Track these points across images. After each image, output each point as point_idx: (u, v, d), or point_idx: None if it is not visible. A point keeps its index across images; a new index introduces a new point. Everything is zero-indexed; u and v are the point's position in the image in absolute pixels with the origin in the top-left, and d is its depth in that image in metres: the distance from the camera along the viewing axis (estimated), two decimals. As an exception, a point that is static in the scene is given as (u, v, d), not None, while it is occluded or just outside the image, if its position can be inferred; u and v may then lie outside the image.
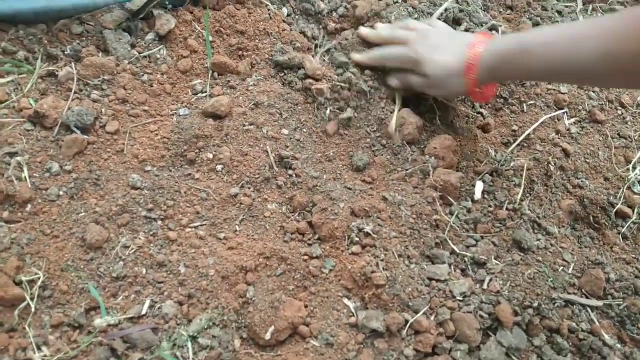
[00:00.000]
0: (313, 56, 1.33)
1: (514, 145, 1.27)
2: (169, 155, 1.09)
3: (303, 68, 1.25)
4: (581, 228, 1.19)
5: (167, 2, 1.26)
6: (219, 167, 1.08)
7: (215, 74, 1.23)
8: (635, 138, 1.28)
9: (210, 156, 1.09)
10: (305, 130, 1.19)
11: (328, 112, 1.22)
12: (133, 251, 0.96)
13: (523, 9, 1.49)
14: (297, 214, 1.08)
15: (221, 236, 1.02)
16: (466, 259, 1.06)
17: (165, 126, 1.12)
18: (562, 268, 1.08)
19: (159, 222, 1.01)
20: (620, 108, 1.31)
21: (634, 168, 1.24)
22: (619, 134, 1.29)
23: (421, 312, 0.95)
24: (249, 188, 1.08)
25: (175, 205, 1.04)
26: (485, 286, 1.02)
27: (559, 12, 1.51)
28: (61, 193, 1.00)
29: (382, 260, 0.99)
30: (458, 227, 1.09)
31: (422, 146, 1.19)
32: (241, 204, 1.06)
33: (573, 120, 1.31)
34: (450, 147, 1.16)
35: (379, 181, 1.15)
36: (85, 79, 1.13)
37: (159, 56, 1.21)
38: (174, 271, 0.95)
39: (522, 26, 1.44)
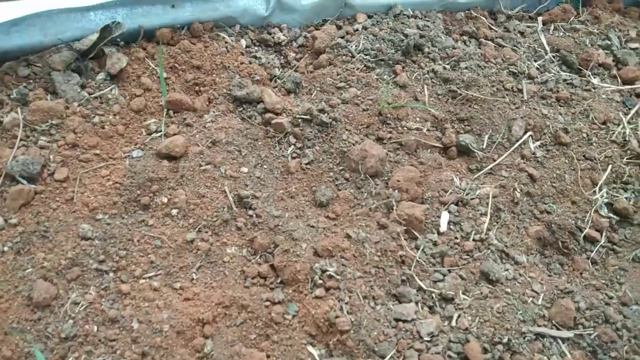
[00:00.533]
0: (274, 87, 1.30)
1: (480, 173, 1.25)
2: (122, 201, 1.05)
3: (262, 102, 1.22)
4: (550, 254, 1.17)
5: (118, 40, 1.22)
6: (174, 211, 1.04)
7: (171, 112, 1.19)
8: (601, 159, 1.27)
9: (165, 200, 1.05)
10: (265, 166, 1.16)
11: (290, 148, 1.19)
12: (83, 307, 0.92)
13: (485, 31, 1.48)
14: (258, 257, 1.04)
15: (177, 286, 0.97)
16: (433, 295, 1.03)
17: (118, 170, 1.08)
18: (531, 299, 1.05)
19: (111, 275, 0.97)
20: (585, 129, 1.31)
21: (600, 190, 1.23)
22: (584, 156, 1.28)
23: (388, 357, 0.91)
24: (206, 232, 1.04)
25: (127, 255, 0.99)
26: (453, 323, 0.99)
27: (521, 33, 1.51)
28: (5, 249, 0.95)
29: (347, 303, 0.96)
30: (424, 261, 1.07)
31: (386, 178, 1.16)
32: (198, 249, 1.01)
33: (538, 143, 1.29)
34: (413, 178, 1.13)
35: (343, 216, 1.12)
36: (32, 124, 1.08)
37: (110, 96, 1.17)
38: (126, 327, 0.91)
39: (484, 48, 1.43)
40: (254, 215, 1.07)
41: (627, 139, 1.30)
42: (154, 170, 1.07)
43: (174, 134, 1.14)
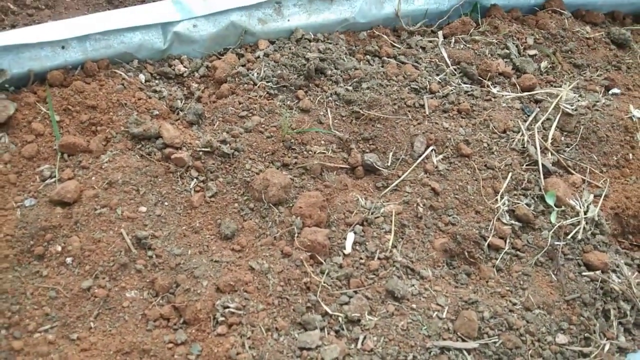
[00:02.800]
0: (176, 120, 1.29)
1: (386, 190, 1.27)
2: (14, 253, 1.01)
3: (161, 137, 1.20)
4: (457, 264, 1.20)
5: (7, 86, 1.19)
6: (69, 260, 1.02)
7: (65, 156, 1.16)
8: (501, 167, 1.32)
9: (59, 248, 1.02)
10: (167, 203, 1.15)
11: (193, 182, 1.18)
12: (-31, 372, 0.88)
13: (387, 49, 1.51)
14: (159, 298, 1.02)
15: (74, 337, 0.95)
16: (340, 319, 1.03)
17: (10, 221, 1.05)
18: (436, 313, 1.07)
19: (3, 332, 0.93)
20: (485, 139, 1.35)
21: (502, 197, 1.27)
22: (485, 165, 1.32)
23: (290, 389, 0.91)
24: (104, 278, 1.01)
25: (21, 310, 0.96)
26: (359, 345, 1.00)
27: (423, 48, 1.55)
28: None
29: (249, 338, 0.96)
30: (330, 285, 1.07)
31: (291, 205, 1.17)
32: (95, 296, 0.99)
33: (441, 156, 1.33)
34: (316, 203, 1.14)
35: (248, 248, 1.11)
36: None
37: (-1, 145, 1.13)
38: (16, 388, 0.88)
39: (387, 66, 1.46)
40: (154, 256, 1.06)
41: (525, 145, 1.34)
42: (47, 218, 1.04)
43: (69, 179, 1.12)
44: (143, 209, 1.11)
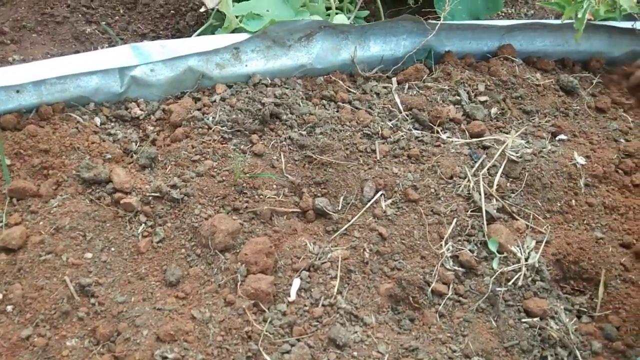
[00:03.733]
0: (129, 163, 1.31)
1: (335, 234, 1.30)
2: (-46, 301, 1.02)
3: (112, 182, 1.22)
4: (402, 309, 1.22)
5: (-42, 129, 1.20)
6: (9, 308, 1.02)
7: (15, 200, 1.17)
8: (447, 213, 1.36)
9: (0, 296, 1.03)
10: (113, 249, 1.16)
11: (141, 227, 1.19)
12: None
13: (342, 94, 1.55)
14: (100, 347, 1.03)
15: (9, 387, 0.95)
16: (280, 368, 1.05)
17: (-48, 267, 1.05)
18: (376, 361, 1.10)
19: (-63, 382, 0.93)
20: (433, 185, 1.39)
21: (446, 243, 1.31)
22: (432, 211, 1.36)
23: None
24: (44, 326, 1.02)
25: (-43, 359, 0.96)
26: (298, 395, 1.02)
27: (377, 94, 1.59)
28: None
29: (186, 388, 0.97)
30: (272, 334, 1.09)
31: (238, 251, 1.19)
32: (34, 345, 0.99)
33: (389, 201, 1.36)
34: (262, 250, 1.16)
35: (192, 295, 1.13)
36: None
37: (-54, 189, 1.14)
38: None
39: (341, 112, 1.50)
40: (97, 303, 1.07)
41: (470, 192, 1.39)
42: (-10, 265, 1.05)
43: (16, 224, 1.12)
44: (89, 255, 1.12)
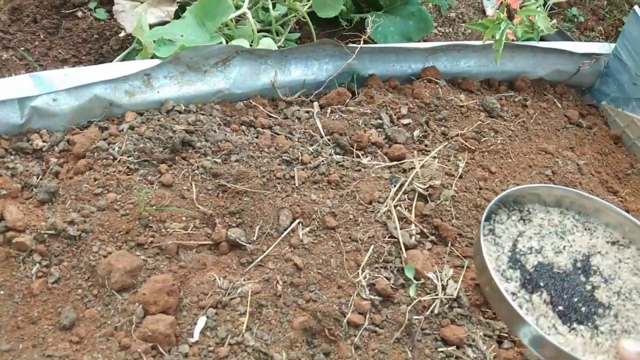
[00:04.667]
0: (28, 198, 1.24)
1: (250, 266, 1.25)
2: None
3: (4, 219, 1.15)
4: (318, 343, 1.18)
5: None
6: None
7: None
8: (364, 240, 1.33)
9: None
10: (3, 292, 1.08)
11: (35, 267, 1.12)
12: None
13: (262, 120, 1.52)
14: (-22, 401, 0.95)
15: None
16: (178, 415, 0.99)
17: None
18: (283, 401, 1.05)
19: None
20: (352, 211, 1.36)
21: (363, 271, 1.28)
22: (350, 238, 1.33)
23: None
24: None
25: None
26: None
27: (299, 118, 1.57)
28: None
29: None
30: (172, 378, 1.03)
31: (136, 291, 1.13)
32: None
33: (307, 229, 1.33)
34: (162, 289, 1.11)
35: (87, 339, 1.06)
36: None
37: None
38: None
39: (261, 137, 1.47)
40: (-22, 354, 0.99)
41: (388, 216, 1.36)
42: None
43: None
44: (-27, 300, 1.04)
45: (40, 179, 1.28)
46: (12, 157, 1.30)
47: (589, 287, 0.94)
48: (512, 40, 1.85)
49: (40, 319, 1.08)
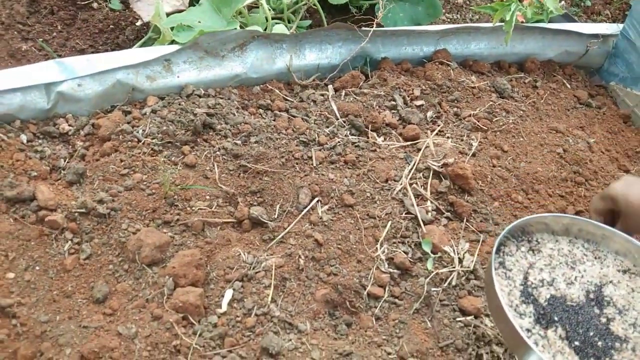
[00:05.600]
0: (57, 180, 1.28)
1: (272, 243, 1.29)
2: None
3: (36, 199, 1.19)
4: (340, 314, 1.22)
5: None
6: None
7: None
8: (382, 216, 1.37)
9: None
10: (38, 267, 1.13)
11: (67, 245, 1.17)
12: None
13: (279, 103, 1.55)
14: (21, 369, 1.00)
15: None
16: (210, 380, 1.03)
17: None
18: (309, 368, 1.09)
19: None
20: (368, 189, 1.40)
21: (381, 246, 1.31)
22: (367, 215, 1.37)
23: None
24: (-39, 351, 0.98)
25: None
26: (228, 407, 1.00)
27: (314, 101, 1.60)
28: None
29: (109, 407, 0.94)
30: (203, 346, 1.07)
31: (166, 265, 1.17)
32: (-52, 372, 0.96)
33: (326, 207, 1.36)
34: (191, 262, 1.15)
35: (119, 311, 1.10)
36: None
37: None
38: None
39: (278, 120, 1.50)
40: (19, 324, 1.03)
41: (404, 194, 1.40)
42: None
43: None
44: (11, 275, 1.09)
45: (68, 162, 1.32)
46: (40, 140, 1.34)
47: (603, 320, 0.92)
48: (522, 22, 1.88)
49: (74, 293, 1.12)
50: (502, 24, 1.72)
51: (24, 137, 1.32)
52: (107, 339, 1.03)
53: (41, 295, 1.09)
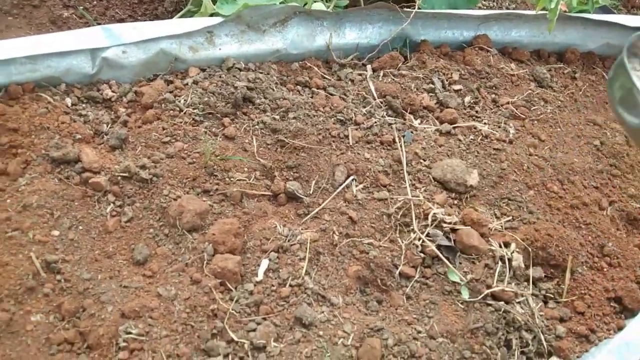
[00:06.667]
0: (99, 144, 1.31)
1: (306, 217, 1.30)
2: None
3: (80, 161, 1.22)
4: (370, 291, 1.23)
5: None
6: (-28, 283, 1.02)
7: (-19, 178, 1.17)
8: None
9: (-37, 272, 1.02)
10: (81, 227, 1.16)
11: (109, 207, 1.19)
12: None
13: (317, 80, 1.56)
14: (65, 322, 1.03)
15: (-31, 362, 0.95)
16: (245, 345, 1.06)
17: None
18: (341, 340, 1.11)
19: None
20: (400, 171, 1.40)
21: (413, 231, 1.32)
22: (401, 195, 1.37)
23: (185, 415, 0.93)
24: (8, 301, 1.02)
25: None
26: (262, 372, 1.03)
27: (352, 81, 1.60)
28: None
29: (149, 364, 0.97)
30: (239, 312, 1.09)
31: (205, 232, 1.19)
32: (-3, 320, 0.99)
33: (361, 186, 1.37)
34: (230, 230, 1.17)
35: (159, 274, 1.13)
36: None
37: None
38: None
39: (316, 97, 1.51)
40: (63, 280, 1.07)
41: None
42: (-46, 241, 1.04)
43: (-18, 202, 1.12)
44: (56, 232, 1.12)
45: (110, 127, 1.35)
46: (83, 105, 1.37)
47: None
48: (564, 11, 1.85)
49: (115, 254, 1.15)
50: (545, 12, 1.70)
51: (68, 101, 1.34)
52: (147, 299, 1.05)
53: (84, 254, 1.12)
